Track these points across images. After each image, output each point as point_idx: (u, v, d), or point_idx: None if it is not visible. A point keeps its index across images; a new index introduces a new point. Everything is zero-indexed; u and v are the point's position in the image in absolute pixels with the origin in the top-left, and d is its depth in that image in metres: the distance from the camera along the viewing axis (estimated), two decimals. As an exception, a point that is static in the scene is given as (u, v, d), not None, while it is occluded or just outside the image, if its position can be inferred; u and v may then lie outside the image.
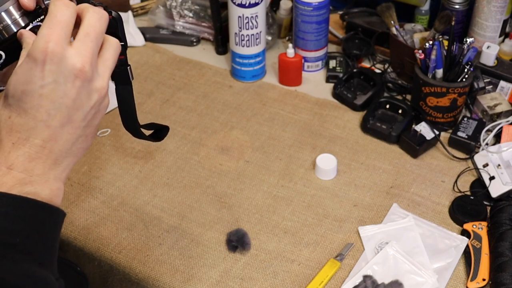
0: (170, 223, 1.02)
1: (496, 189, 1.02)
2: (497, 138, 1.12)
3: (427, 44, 1.13)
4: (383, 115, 1.20)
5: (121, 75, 0.68)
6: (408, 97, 1.24)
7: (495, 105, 1.15)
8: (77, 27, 0.58)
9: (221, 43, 1.41)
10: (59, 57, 0.55)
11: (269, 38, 1.40)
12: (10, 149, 0.56)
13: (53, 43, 0.54)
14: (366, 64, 1.36)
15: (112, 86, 0.64)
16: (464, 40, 1.11)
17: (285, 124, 1.21)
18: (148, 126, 0.74)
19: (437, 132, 1.13)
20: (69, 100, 0.56)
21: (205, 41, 1.47)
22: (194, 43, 1.45)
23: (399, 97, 1.25)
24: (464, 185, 1.07)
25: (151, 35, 1.46)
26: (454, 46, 1.12)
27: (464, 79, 1.12)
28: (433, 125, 1.14)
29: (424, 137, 1.12)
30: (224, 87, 1.32)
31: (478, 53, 1.19)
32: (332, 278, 0.92)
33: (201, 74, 1.36)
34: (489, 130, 1.13)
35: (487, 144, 1.11)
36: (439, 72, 1.13)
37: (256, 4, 1.22)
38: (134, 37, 1.44)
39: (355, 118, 1.22)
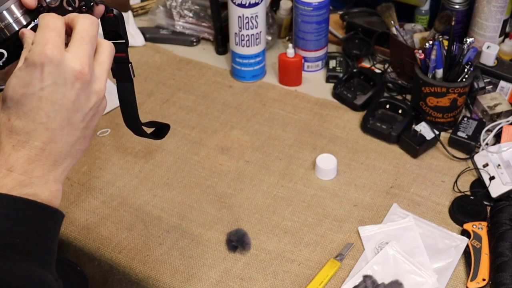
0: (170, 223, 1.02)
1: (496, 189, 1.02)
2: (497, 138, 1.12)
3: (427, 44, 1.13)
4: (383, 115, 1.20)
5: (123, 72, 0.68)
6: (408, 97, 1.24)
7: (495, 105, 1.15)
8: (68, 36, 0.59)
9: (221, 43, 1.41)
10: (58, 59, 0.55)
11: (269, 38, 1.40)
12: (10, 151, 0.56)
13: (51, 46, 0.55)
14: (366, 64, 1.36)
15: (110, 87, 0.64)
16: (464, 40, 1.11)
17: (285, 124, 1.21)
18: (149, 124, 0.75)
19: (437, 132, 1.13)
20: (69, 102, 0.57)
21: (205, 41, 1.47)
22: (194, 43, 1.45)
23: (399, 97, 1.25)
24: (464, 185, 1.07)
25: (151, 35, 1.46)
26: (454, 46, 1.12)
27: (464, 79, 1.12)
28: (433, 125, 1.14)
29: (424, 137, 1.12)
30: (224, 87, 1.32)
31: (478, 53, 1.19)
32: (332, 278, 0.92)
33: (201, 74, 1.36)
34: (489, 130, 1.13)
35: (487, 144, 1.11)
36: (439, 72, 1.13)
37: (256, 4, 1.22)
38: (134, 37, 1.44)
39: (355, 118, 1.22)
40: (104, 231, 1.01)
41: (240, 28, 1.25)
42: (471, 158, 1.10)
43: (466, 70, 1.11)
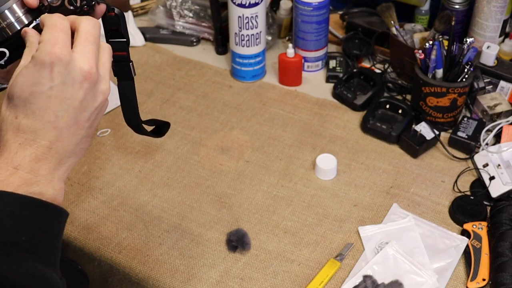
0: (170, 223, 1.02)
1: (496, 189, 1.02)
2: (497, 138, 1.12)
3: (427, 44, 1.13)
4: (383, 115, 1.20)
5: (124, 71, 0.68)
6: (408, 97, 1.24)
7: (495, 105, 1.15)
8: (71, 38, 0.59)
9: (221, 43, 1.41)
10: (67, 59, 0.56)
11: (269, 38, 1.40)
12: (17, 150, 0.56)
13: (60, 45, 0.56)
14: (366, 64, 1.36)
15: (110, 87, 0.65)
16: (464, 40, 1.11)
17: (285, 124, 1.21)
18: (149, 122, 0.75)
19: (437, 132, 1.13)
20: (76, 102, 0.58)
21: (205, 41, 1.47)
22: (194, 43, 1.45)
23: (399, 97, 1.25)
24: (464, 185, 1.07)
25: (151, 35, 1.46)
26: (454, 46, 1.12)
27: (464, 79, 1.12)
28: (433, 125, 1.14)
29: (424, 137, 1.12)
30: (224, 87, 1.32)
31: (478, 53, 1.19)
32: (332, 278, 0.92)
33: (201, 74, 1.36)
34: (489, 130, 1.13)
35: (487, 144, 1.11)
36: (439, 72, 1.13)
37: (256, 4, 1.22)
38: (134, 37, 1.44)
39: (355, 118, 1.22)
40: (104, 231, 1.01)
41: (240, 28, 1.25)
42: (471, 158, 1.10)
43: (466, 70, 1.11)
